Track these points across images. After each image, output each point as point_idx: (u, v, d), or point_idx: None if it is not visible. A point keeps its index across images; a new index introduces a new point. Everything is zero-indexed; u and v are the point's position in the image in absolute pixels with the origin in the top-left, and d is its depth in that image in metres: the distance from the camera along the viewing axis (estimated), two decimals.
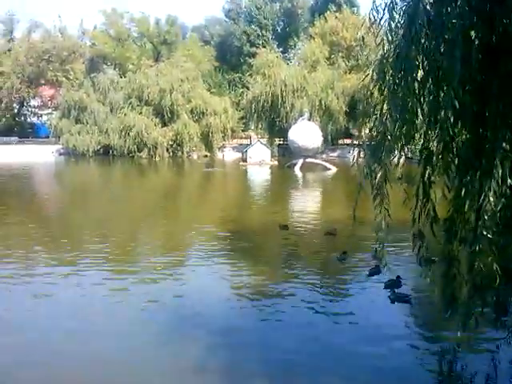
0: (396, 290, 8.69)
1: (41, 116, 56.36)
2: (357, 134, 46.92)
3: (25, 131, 54.41)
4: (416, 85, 4.20)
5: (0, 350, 6.71)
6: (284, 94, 39.84)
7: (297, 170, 32.53)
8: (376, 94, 4.75)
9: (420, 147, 4.51)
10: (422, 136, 4.56)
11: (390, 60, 4.26)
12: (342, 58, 45.76)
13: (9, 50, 53.39)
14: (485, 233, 4.10)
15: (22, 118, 56.94)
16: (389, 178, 4.63)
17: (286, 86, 39.88)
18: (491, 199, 3.95)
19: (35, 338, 7.09)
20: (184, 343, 6.95)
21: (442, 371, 6.44)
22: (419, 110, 4.30)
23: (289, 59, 59.41)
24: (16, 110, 55.90)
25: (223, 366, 6.35)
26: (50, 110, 53.95)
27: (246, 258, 11.27)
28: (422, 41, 4.07)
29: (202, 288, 9.22)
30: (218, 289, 9.25)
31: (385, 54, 4.34)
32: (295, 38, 65.17)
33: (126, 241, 13.42)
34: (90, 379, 6.05)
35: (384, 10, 4.34)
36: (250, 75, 46.65)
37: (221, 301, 8.55)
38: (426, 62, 4.21)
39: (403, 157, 4.75)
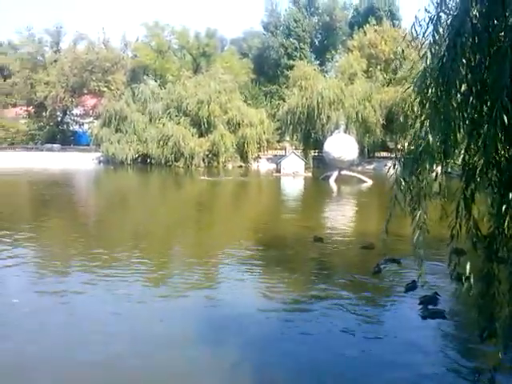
0: (430, 307, 8.50)
1: (82, 124, 58.16)
2: (394, 147, 46.36)
3: (67, 139, 56.24)
4: (459, 98, 4.14)
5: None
6: (320, 105, 39.78)
7: (331, 182, 32.30)
8: (416, 107, 4.71)
9: (461, 162, 4.42)
10: (463, 151, 4.48)
11: (433, 73, 4.21)
12: (380, 70, 45.43)
13: (55, 61, 55.58)
14: None
15: (65, 126, 58.90)
16: (427, 192, 4.56)
17: (322, 98, 39.82)
18: None
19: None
20: (216, 351, 6.98)
21: None
22: (461, 123, 4.23)
23: (326, 72, 59.36)
24: (59, 119, 57.90)
25: (253, 374, 6.36)
26: (91, 119, 55.61)
27: (280, 269, 11.20)
28: (467, 54, 4.01)
29: (234, 299, 9.23)
30: (250, 300, 9.24)
31: (427, 66, 4.30)
32: (333, 51, 65.16)
33: (161, 249, 13.63)
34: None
35: (428, 23, 4.31)
36: (287, 87, 46.90)
37: (251, 312, 8.53)
38: (470, 76, 4.14)
39: (442, 171, 4.67)
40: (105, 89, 52.69)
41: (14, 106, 61.02)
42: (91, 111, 56.20)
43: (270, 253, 12.60)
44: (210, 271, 11.17)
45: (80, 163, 44.52)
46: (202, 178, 33.73)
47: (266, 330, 7.87)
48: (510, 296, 4.68)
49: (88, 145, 50.12)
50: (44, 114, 55.23)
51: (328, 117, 39.89)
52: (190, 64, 59.43)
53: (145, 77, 56.33)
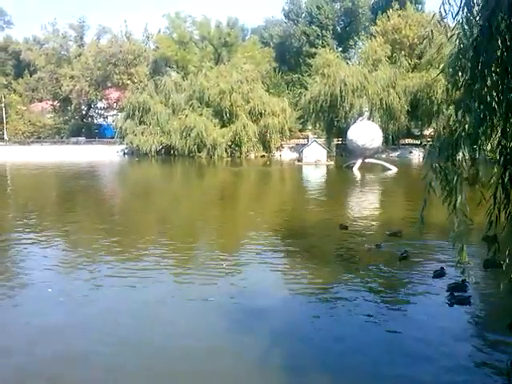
0: (457, 294, 8.41)
1: (107, 117, 58.89)
2: (419, 133, 45.61)
3: (92, 132, 57.09)
4: (496, 79, 4.03)
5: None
6: (343, 93, 39.33)
7: (355, 170, 31.99)
8: (448, 91, 4.61)
9: (497, 146, 4.32)
10: (499, 134, 4.37)
11: (467, 55, 4.11)
12: (404, 56, 44.56)
13: (79, 55, 56.26)
14: None
15: (90, 120, 59.75)
16: (463, 178, 4.47)
17: (345, 85, 39.35)
18: None
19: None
20: (243, 335, 7.06)
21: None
22: (497, 106, 4.13)
23: (349, 58, 58.62)
24: (84, 112, 58.73)
25: (281, 358, 6.41)
26: (115, 112, 56.23)
27: (306, 257, 11.19)
28: (503, 34, 3.90)
29: (259, 286, 9.28)
30: (276, 288, 9.28)
31: (461, 48, 4.20)
32: (355, 37, 64.19)
33: (187, 238, 13.73)
34: (160, 362, 6.29)
35: (460, 3, 4.19)
36: (309, 75, 46.50)
37: (277, 300, 8.57)
38: (505, 56, 4.03)
39: (479, 156, 4.58)
40: (128, 81, 53.11)
41: (40, 100, 62.15)
42: (115, 104, 56.82)
43: (296, 241, 12.59)
44: (236, 259, 11.24)
45: (105, 155, 45.16)
46: (226, 167, 33.75)
47: (293, 317, 7.90)
48: None
49: (112, 137, 50.75)
50: (69, 107, 56.10)
51: (351, 104, 39.44)
52: (212, 54, 59.39)
53: (167, 68, 56.58)
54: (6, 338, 7.15)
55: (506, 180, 4.21)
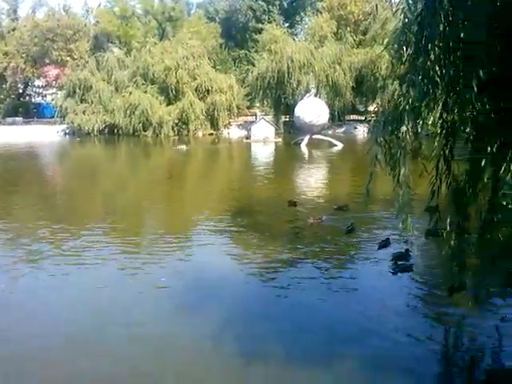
0: (399, 262, 8.81)
1: (45, 96, 56.08)
2: (363, 109, 46.59)
3: (30, 111, 54.17)
4: (438, 54, 4.12)
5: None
6: (290, 70, 39.37)
7: (303, 146, 32.36)
8: (393, 65, 4.68)
9: (439, 119, 4.45)
10: (441, 107, 4.50)
11: (411, 30, 4.17)
12: (350, 32, 45.01)
13: (13, 30, 52.93)
14: (504, 203, 4.09)
15: (27, 99, 56.72)
16: (409, 151, 4.60)
17: (292, 61, 39.39)
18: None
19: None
20: (195, 314, 7.05)
21: (447, 344, 6.50)
22: (439, 80, 4.23)
23: (295, 34, 58.51)
24: (20, 91, 55.66)
25: (236, 333, 6.47)
26: (54, 90, 53.60)
27: (254, 235, 11.27)
28: (445, 9, 3.97)
29: (209, 264, 9.29)
30: (226, 265, 9.33)
31: (405, 23, 4.25)
32: (302, 13, 64.08)
33: (134, 220, 13.51)
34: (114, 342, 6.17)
35: None
36: (256, 51, 46.17)
37: (227, 277, 8.61)
38: (448, 31, 4.12)
39: (421, 129, 4.71)
40: (67, 58, 50.56)
41: None
42: (54, 82, 54.05)
43: (245, 219, 12.64)
44: (184, 238, 11.20)
45: (45, 136, 43.09)
46: (173, 147, 33.04)
47: (242, 293, 7.97)
48: (479, 248, 4.83)
49: (52, 117, 48.36)
50: (4, 86, 52.90)
51: (298, 81, 39.61)
52: (156, 30, 57.53)
53: (109, 44, 54.34)
54: None
55: (447, 152, 4.36)
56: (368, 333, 6.47)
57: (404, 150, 4.38)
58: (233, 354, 6.04)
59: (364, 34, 45.24)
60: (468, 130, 4.30)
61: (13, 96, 54.47)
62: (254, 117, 46.80)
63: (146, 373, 5.71)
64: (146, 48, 46.16)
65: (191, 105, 42.85)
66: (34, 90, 56.44)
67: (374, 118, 5.04)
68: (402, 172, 4.40)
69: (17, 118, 50.29)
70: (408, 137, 4.34)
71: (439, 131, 4.41)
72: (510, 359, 5.85)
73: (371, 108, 44.75)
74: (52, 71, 54.50)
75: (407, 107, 4.18)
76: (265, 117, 40.83)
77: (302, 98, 36.62)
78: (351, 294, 7.93)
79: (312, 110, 33.63)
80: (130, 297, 7.85)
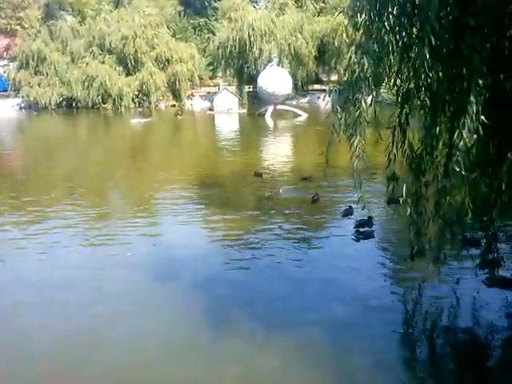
0: (361, 229, 9.02)
1: None
2: (326, 79, 46.51)
3: None
4: (391, 21, 4.11)
5: None
6: (252, 38, 38.63)
7: (267, 117, 32.22)
8: (349, 32, 4.64)
9: (393, 86, 4.47)
10: (395, 74, 4.52)
11: None
12: (311, 0, 44.46)
13: None
14: (457, 169, 4.18)
15: None
16: (362, 119, 4.62)
17: (253, 30, 38.64)
18: (464, 136, 3.99)
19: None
20: (164, 289, 7.05)
21: (407, 308, 6.74)
22: (394, 47, 4.23)
23: (255, 2, 57.32)
24: None
25: (205, 307, 6.51)
26: (5, 62, 51.07)
27: (221, 206, 11.27)
28: None
29: (176, 237, 9.27)
30: (189, 239, 9.26)
31: None
32: None
33: (96, 196, 13.23)
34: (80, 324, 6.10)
35: None
36: (216, 20, 45.06)
37: (194, 249, 8.61)
38: None
39: (376, 97, 4.71)
40: (17, 27, 48.13)
41: None
42: (5, 53, 51.49)
43: (211, 191, 12.61)
44: (149, 213, 11.07)
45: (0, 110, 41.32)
46: (133, 120, 32.19)
47: (210, 264, 8.00)
48: (436, 213, 4.97)
49: (6, 90, 46.29)
50: None
51: (260, 50, 38.99)
52: None
53: (61, 12, 51.85)
54: None
55: (402, 120, 4.40)
56: (328, 298, 6.64)
57: (359, 118, 4.40)
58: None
59: (324, 1, 44.76)
60: (422, 97, 4.34)
61: None
62: (216, 87, 46.05)
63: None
64: (101, 16, 44.30)
65: (151, 75, 41.71)
66: None
67: (331, 87, 5.03)
68: (356, 140, 4.43)
69: None
70: (363, 105, 4.36)
71: (395, 99, 4.44)
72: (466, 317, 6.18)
73: (334, 78, 44.83)
74: (1, 41, 51.86)
75: (361, 74, 4.18)
76: (228, 87, 40.24)
77: (264, 68, 36.21)
78: (315, 260, 8.11)
79: (275, 79, 33.37)
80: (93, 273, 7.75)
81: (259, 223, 9.91)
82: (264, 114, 32.85)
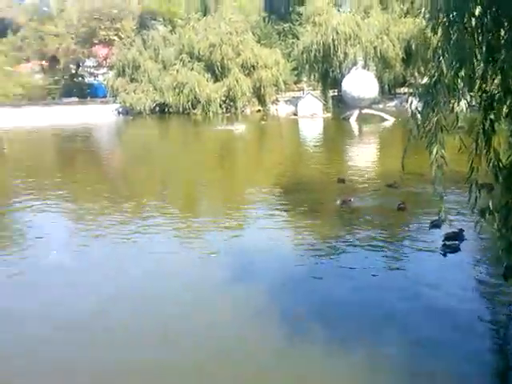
0: (449, 242, 8.51)
1: (97, 76, 57.63)
2: (414, 82, 44.77)
3: (83, 92, 55.96)
4: (473, 22, 3.88)
5: None
6: (336, 42, 38.33)
7: (352, 121, 31.68)
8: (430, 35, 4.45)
9: (477, 90, 4.21)
10: (479, 79, 4.25)
11: None
12: (396, 1, 43.08)
13: (61, 11, 54.37)
14: None
15: (80, 79, 58.49)
16: (444, 125, 4.40)
17: (337, 33, 38.31)
18: None
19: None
20: (244, 290, 7.19)
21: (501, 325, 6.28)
22: (477, 49, 3.99)
23: (340, 5, 56.56)
24: (73, 71, 57.42)
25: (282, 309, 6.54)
26: (105, 70, 54.97)
27: (301, 212, 11.22)
28: None
29: (261, 242, 9.33)
30: (277, 243, 9.30)
31: None
32: None
33: (186, 198, 13.83)
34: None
35: None
36: (300, 24, 45.14)
37: (278, 255, 8.65)
38: None
39: (457, 102, 4.46)
40: (114, 37, 51.64)
41: (28, 60, 60.54)
42: (104, 62, 55.47)
43: (293, 196, 12.65)
44: (235, 216, 11.28)
45: (99, 115, 44.45)
46: (220, 127, 33.09)
47: (294, 270, 7.99)
48: None
49: (105, 96, 49.76)
50: (57, 67, 54.80)
51: (345, 53, 38.52)
52: (198, 6, 57.29)
53: (153, 22, 54.81)
54: None
55: (486, 126, 4.13)
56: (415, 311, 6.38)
57: (438, 124, 4.20)
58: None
59: (412, 2, 43.13)
60: (509, 102, 4.05)
61: (66, 77, 56.32)
62: (301, 92, 46.08)
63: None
64: (190, 25, 46.22)
65: (237, 81, 42.72)
66: (86, 70, 58.08)
67: (412, 91, 4.85)
68: (436, 148, 4.23)
69: (72, 98, 52.12)
70: (442, 111, 4.16)
71: (479, 103, 4.19)
72: None
73: (423, 81, 42.97)
74: (101, 51, 55.87)
75: (440, 79, 3.99)
76: (312, 92, 40.15)
77: (349, 72, 35.68)
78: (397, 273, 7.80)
79: (360, 83, 32.74)
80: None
81: (339, 231, 9.72)
82: (349, 119, 32.33)
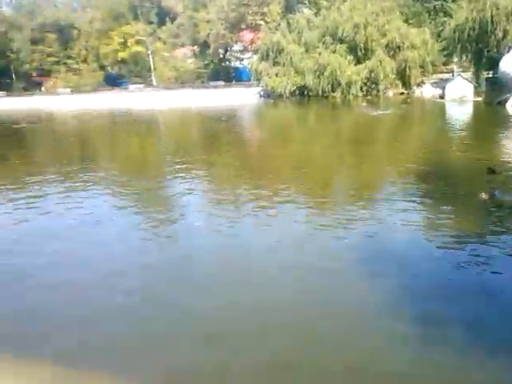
0: None
1: (242, 60, 60.33)
2: None
3: (229, 75, 59.13)
4: None
5: None
6: (495, 18, 34.95)
7: (509, 106, 28.98)
8: None
9: None
10: None
11: None
12: None
13: None
14: None
15: (227, 63, 61.78)
16: None
17: (497, 9, 34.81)
18: None
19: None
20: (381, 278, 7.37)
21: None
22: None
23: None
24: (222, 56, 60.84)
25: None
26: (250, 54, 57.26)
27: (440, 203, 10.85)
28: None
29: (399, 234, 9.19)
30: (416, 235, 9.11)
31: None
32: None
33: (321, 183, 14.14)
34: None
35: None
36: (454, 1, 42.03)
37: (417, 248, 8.55)
38: None
39: None
40: (261, 22, 53.32)
41: (182, 46, 65.63)
42: (250, 46, 57.76)
43: (433, 185, 12.25)
44: (372, 206, 11.22)
45: (242, 98, 46.76)
46: (360, 110, 32.70)
47: (432, 265, 7.92)
48: None
49: (249, 80, 52.03)
50: (207, 52, 58.51)
51: (505, 31, 34.94)
52: None
53: (299, 5, 55.34)
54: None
55: None
56: None
57: None
58: None
59: None
60: None
61: (215, 61, 59.95)
62: (450, 74, 43.18)
63: None
64: (335, 6, 45.78)
65: (381, 63, 41.52)
66: (233, 54, 61.14)
67: None
68: None
69: (218, 82, 55.50)
70: None
71: None
72: None
73: None
74: (248, 35, 58.22)
75: None
76: (462, 73, 37.41)
77: (509, 51, 32.48)
78: None
79: None
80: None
81: (480, 228, 9.22)
82: (505, 103, 29.61)
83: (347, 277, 7.54)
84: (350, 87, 41.84)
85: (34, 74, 71.94)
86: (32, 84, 70.50)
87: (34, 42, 69.11)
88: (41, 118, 43.20)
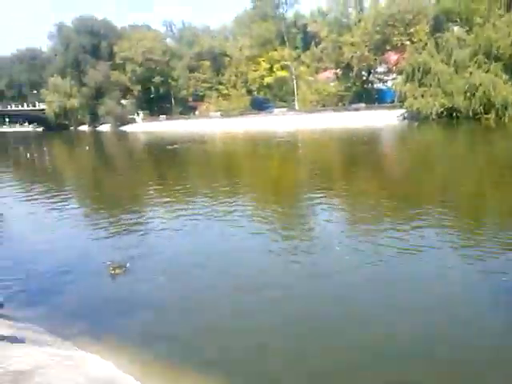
0: None
1: (386, 82, 59.49)
2: None
3: (371, 97, 58.70)
4: None
5: None
6: None
7: None
8: None
9: None
10: None
11: None
12: None
13: (359, 21, 57.96)
14: None
15: (370, 85, 61.41)
16: None
17: None
18: None
19: None
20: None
21: None
22: None
23: None
24: (364, 78, 60.69)
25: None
26: (394, 75, 56.30)
27: None
28: None
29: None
30: None
31: None
32: None
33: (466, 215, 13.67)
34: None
35: None
36: None
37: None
38: None
39: None
40: (407, 42, 52.20)
41: (325, 70, 66.99)
42: (394, 67, 56.83)
43: None
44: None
45: (384, 120, 46.19)
46: None
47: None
48: None
49: (392, 102, 51.20)
50: (350, 74, 58.84)
51: None
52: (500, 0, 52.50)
53: (449, 24, 52.99)
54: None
55: None
56: None
57: None
58: None
59: None
60: None
61: (357, 83, 60.01)
62: None
63: None
64: (490, 22, 43.03)
65: None
66: (376, 76, 60.65)
67: None
68: None
69: (360, 104, 55.54)
70: None
71: None
72: None
73: None
74: (392, 57, 57.42)
75: None
76: None
77: None
78: None
79: None
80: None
81: None
82: None
83: None
84: (506, 108, 38.88)
85: (190, 99, 79.26)
86: (188, 108, 77.83)
87: (190, 69, 76.31)
88: (194, 139, 47.54)
